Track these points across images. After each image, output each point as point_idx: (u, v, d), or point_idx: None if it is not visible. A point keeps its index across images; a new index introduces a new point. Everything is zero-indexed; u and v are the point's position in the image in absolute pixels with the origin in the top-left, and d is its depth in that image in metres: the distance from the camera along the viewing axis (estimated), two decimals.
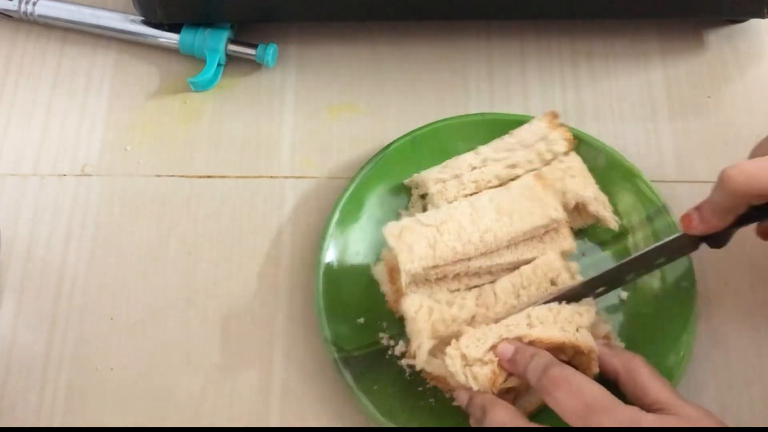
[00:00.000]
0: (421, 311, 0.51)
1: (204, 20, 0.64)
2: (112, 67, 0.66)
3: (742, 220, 0.51)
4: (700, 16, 0.67)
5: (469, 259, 0.53)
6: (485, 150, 0.59)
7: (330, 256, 0.56)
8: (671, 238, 0.53)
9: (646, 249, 0.53)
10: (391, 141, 0.60)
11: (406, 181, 0.59)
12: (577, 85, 0.65)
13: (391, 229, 0.53)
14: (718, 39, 0.67)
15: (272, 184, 0.61)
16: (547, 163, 0.58)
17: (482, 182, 0.57)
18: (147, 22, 0.65)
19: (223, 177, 0.61)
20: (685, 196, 0.60)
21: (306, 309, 0.56)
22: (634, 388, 0.49)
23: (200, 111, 0.64)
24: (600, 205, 0.57)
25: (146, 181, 0.61)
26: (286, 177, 0.61)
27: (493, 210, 0.54)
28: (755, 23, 0.67)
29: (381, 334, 0.55)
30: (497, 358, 0.49)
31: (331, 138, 0.63)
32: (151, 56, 0.66)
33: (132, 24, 0.65)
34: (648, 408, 0.47)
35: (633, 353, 0.51)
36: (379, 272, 0.56)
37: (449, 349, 0.49)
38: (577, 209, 0.57)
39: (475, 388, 0.48)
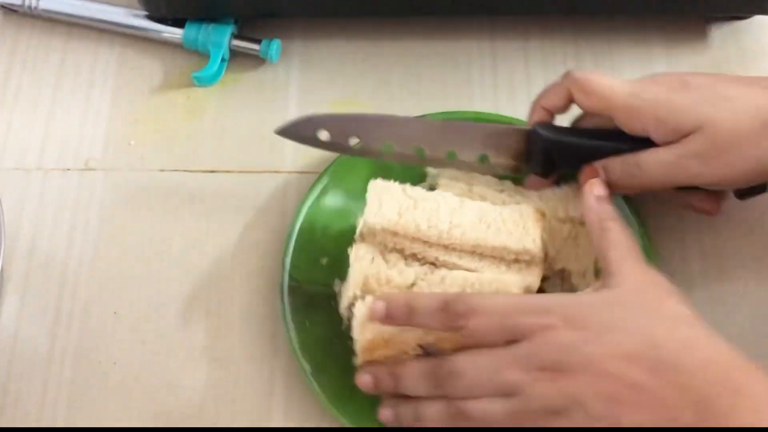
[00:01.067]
0: (362, 261, 0.52)
1: (208, 15, 0.64)
2: (115, 61, 0.66)
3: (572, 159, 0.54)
4: (704, 13, 0.67)
5: (430, 245, 0.53)
6: (509, 183, 0.58)
7: (325, 192, 0.58)
8: (510, 127, 0.56)
9: (479, 126, 0.56)
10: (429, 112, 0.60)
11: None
12: None
13: (376, 184, 0.54)
14: (722, 35, 0.67)
15: (276, 179, 0.61)
16: (559, 221, 0.56)
17: (487, 197, 0.56)
18: (151, 17, 0.65)
19: (227, 172, 0.61)
20: None
21: None
22: (599, 249, 0.48)
23: (204, 106, 0.64)
24: (583, 283, 0.54)
25: (150, 176, 0.61)
26: (290, 172, 0.61)
27: (476, 215, 0.53)
28: (759, 20, 0.67)
29: (336, 280, 0.55)
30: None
31: None
32: (155, 51, 0.66)
33: (136, 19, 0.65)
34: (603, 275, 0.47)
35: (613, 215, 0.50)
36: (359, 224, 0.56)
37: (367, 297, 0.50)
38: (561, 275, 0.56)
39: (355, 337, 0.49)
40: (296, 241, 0.56)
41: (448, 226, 0.52)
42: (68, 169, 0.61)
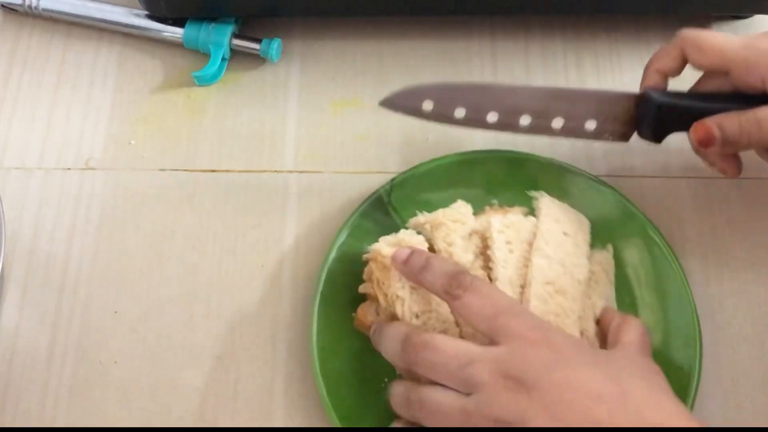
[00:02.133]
0: (454, 212, 0.54)
1: (208, 14, 0.64)
2: (116, 61, 0.66)
3: (682, 116, 0.52)
4: (705, 12, 0.67)
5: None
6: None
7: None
8: (616, 90, 0.54)
9: (586, 88, 0.55)
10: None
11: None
12: (582, 81, 0.65)
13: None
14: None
15: (276, 179, 0.61)
16: None
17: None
18: (151, 16, 0.65)
19: (227, 171, 0.61)
20: (688, 191, 0.61)
21: (309, 302, 0.56)
22: (615, 334, 0.50)
23: (204, 105, 0.64)
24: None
25: (150, 176, 0.61)
26: (290, 171, 0.61)
27: (555, 278, 0.52)
28: (760, 19, 0.67)
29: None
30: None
31: (335, 133, 0.63)
32: (156, 50, 0.66)
33: (136, 18, 0.65)
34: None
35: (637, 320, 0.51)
36: None
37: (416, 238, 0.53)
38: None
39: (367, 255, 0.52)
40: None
41: (534, 252, 0.53)
42: (69, 169, 0.61)
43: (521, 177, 0.59)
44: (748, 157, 0.60)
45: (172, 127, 0.63)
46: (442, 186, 0.58)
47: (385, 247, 0.52)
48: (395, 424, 0.49)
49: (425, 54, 0.66)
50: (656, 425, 0.41)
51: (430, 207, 0.56)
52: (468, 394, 0.44)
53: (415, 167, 0.59)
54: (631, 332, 0.49)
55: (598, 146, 0.62)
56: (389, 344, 0.48)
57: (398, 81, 0.64)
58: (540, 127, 0.55)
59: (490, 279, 0.54)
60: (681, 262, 0.55)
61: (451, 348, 0.45)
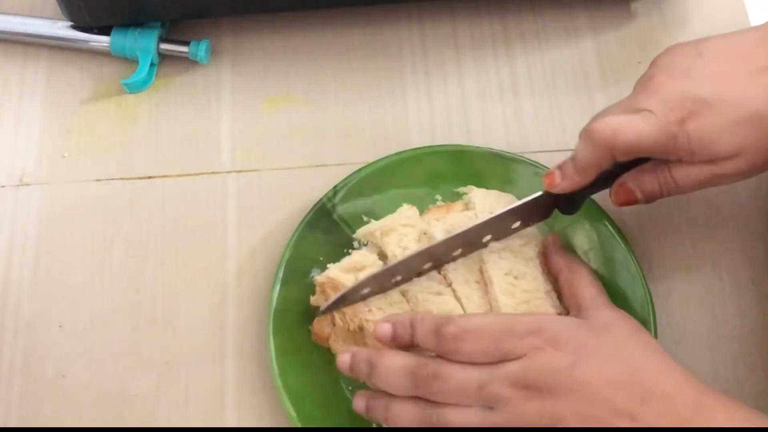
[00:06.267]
0: (402, 216, 0.55)
1: (133, 21, 0.63)
2: (44, 74, 0.65)
3: (598, 183, 0.52)
4: None
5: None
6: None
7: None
8: (528, 198, 0.53)
9: (501, 211, 0.52)
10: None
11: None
12: (511, 61, 0.66)
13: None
14: (645, 6, 0.68)
15: (214, 180, 0.61)
16: None
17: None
18: (76, 27, 0.64)
19: (164, 177, 0.61)
20: None
21: (255, 301, 0.56)
22: (570, 288, 0.52)
23: (136, 112, 0.63)
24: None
25: (86, 187, 0.61)
26: (228, 172, 0.61)
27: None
28: None
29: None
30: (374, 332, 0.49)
31: (271, 129, 0.63)
32: (83, 61, 0.65)
33: (61, 30, 0.64)
34: (575, 311, 0.51)
35: (580, 260, 0.54)
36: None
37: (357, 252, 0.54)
38: None
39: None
40: None
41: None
42: (3, 186, 0.61)
43: (462, 170, 0.59)
44: None
45: (105, 136, 0.63)
46: (385, 187, 0.58)
47: (340, 273, 0.52)
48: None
49: (356, 44, 0.66)
50: (675, 393, 0.44)
51: (375, 210, 0.57)
52: (489, 409, 0.45)
53: (356, 171, 0.58)
54: (585, 286, 0.51)
55: (531, 124, 0.62)
56: (392, 379, 0.47)
57: (330, 73, 0.65)
58: (474, 248, 0.54)
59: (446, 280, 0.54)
60: (624, 234, 0.56)
61: (461, 374, 0.46)
